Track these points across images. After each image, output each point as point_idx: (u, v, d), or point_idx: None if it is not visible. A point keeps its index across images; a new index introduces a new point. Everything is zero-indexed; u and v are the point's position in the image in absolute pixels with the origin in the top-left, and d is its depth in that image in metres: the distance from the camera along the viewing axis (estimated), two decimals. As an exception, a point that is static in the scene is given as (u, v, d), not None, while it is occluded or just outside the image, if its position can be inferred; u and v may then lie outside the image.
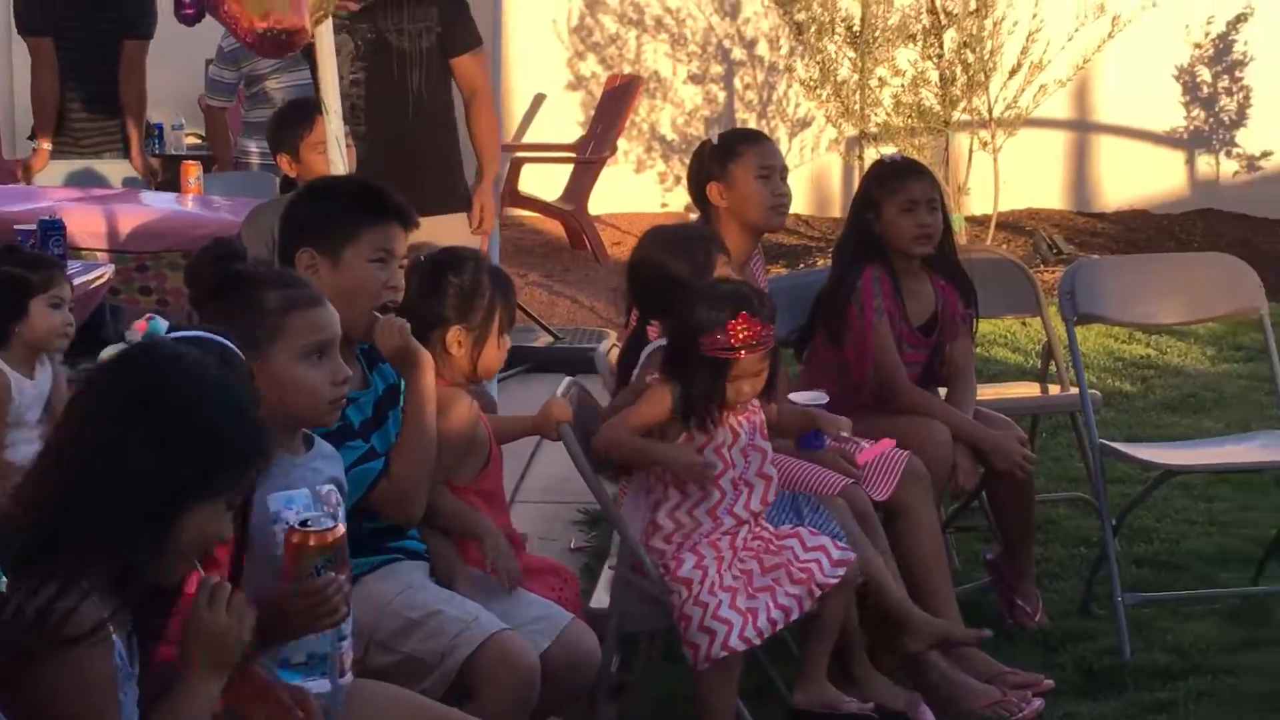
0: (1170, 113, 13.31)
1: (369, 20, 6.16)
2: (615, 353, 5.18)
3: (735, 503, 4.29)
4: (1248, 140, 13.28)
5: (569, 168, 12.25)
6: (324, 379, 3.22)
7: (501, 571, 3.85)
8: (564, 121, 13.15)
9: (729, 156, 5.14)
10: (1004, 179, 11.99)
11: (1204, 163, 13.36)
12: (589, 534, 6.33)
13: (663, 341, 4.38)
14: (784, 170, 5.19)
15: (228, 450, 2.60)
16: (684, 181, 5.93)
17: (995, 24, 11.66)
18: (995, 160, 11.77)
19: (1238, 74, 13.26)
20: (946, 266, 5.32)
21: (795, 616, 4.25)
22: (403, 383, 3.79)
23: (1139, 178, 13.33)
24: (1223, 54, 13.24)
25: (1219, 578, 5.73)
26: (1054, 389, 6.31)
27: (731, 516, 4.29)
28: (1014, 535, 5.40)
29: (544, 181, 12.21)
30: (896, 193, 5.19)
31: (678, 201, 13.07)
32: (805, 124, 13.39)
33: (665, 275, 4.54)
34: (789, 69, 13.22)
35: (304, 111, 5.83)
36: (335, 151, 5.11)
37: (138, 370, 2.64)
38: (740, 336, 4.14)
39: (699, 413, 4.21)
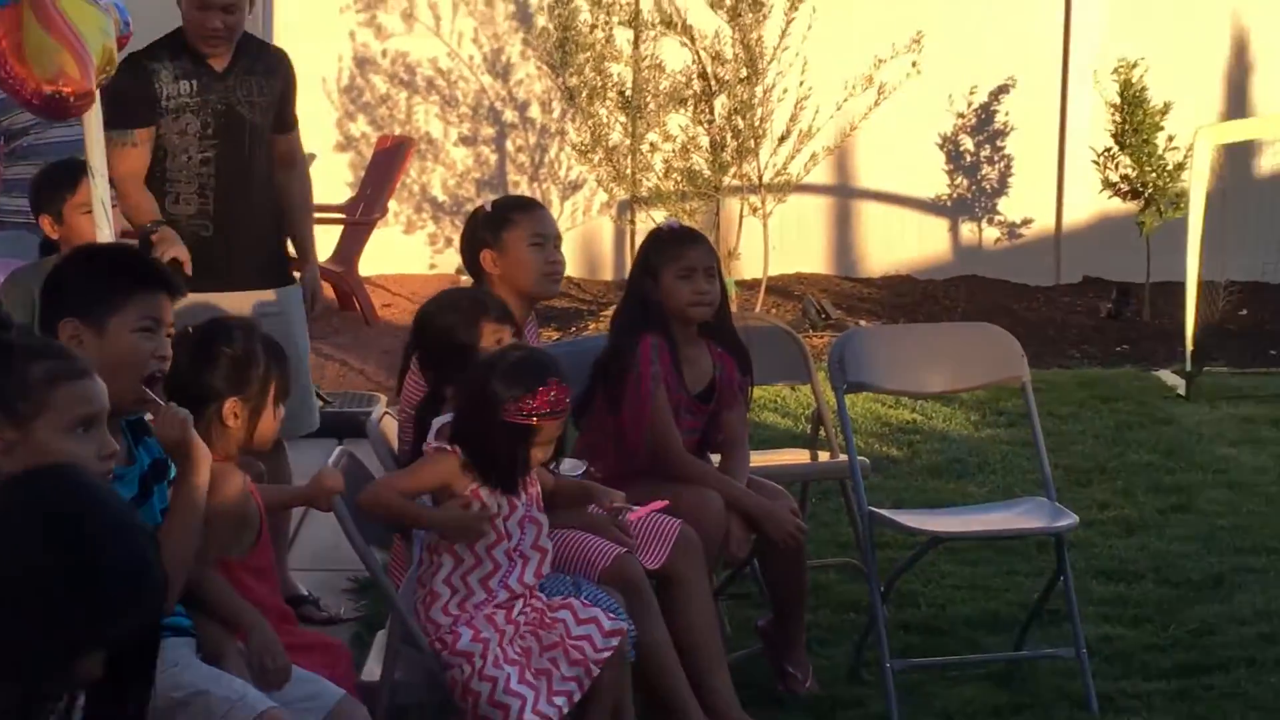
0: (935, 180, 13.59)
1: (222, 91, 5.99)
2: (388, 419, 5.10)
3: (510, 575, 4.26)
4: (1009, 208, 13.60)
5: (339, 229, 12.14)
6: (90, 453, 3.13)
7: (268, 674, 3.72)
8: (333, 182, 13.03)
9: (502, 224, 5.13)
10: (774, 244, 12.14)
11: (967, 229, 13.65)
12: (359, 602, 6.25)
13: (449, 416, 4.34)
14: (557, 239, 5.20)
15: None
16: (454, 243, 5.91)
17: (765, 91, 11.80)
18: (765, 225, 11.91)
19: (999, 143, 13.59)
20: (724, 334, 5.35)
21: (576, 699, 4.23)
22: (171, 463, 3.70)
23: (905, 244, 13.58)
24: (985, 123, 13.56)
25: (984, 642, 5.83)
26: (824, 455, 6.39)
27: (506, 589, 4.26)
28: (785, 602, 5.43)
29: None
30: (674, 260, 5.21)
31: (448, 263, 13.02)
32: (577, 187, 13.44)
33: (457, 340, 4.52)
34: (561, 132, 13.27)
35: (69, 172, 5.69)
36: (101, 215, 4.99)
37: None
38: (547, 403, 4.12)
39: (505, 480, 4.18)
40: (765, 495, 5.29)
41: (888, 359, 5.69)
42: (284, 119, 6.23)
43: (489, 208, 5.25)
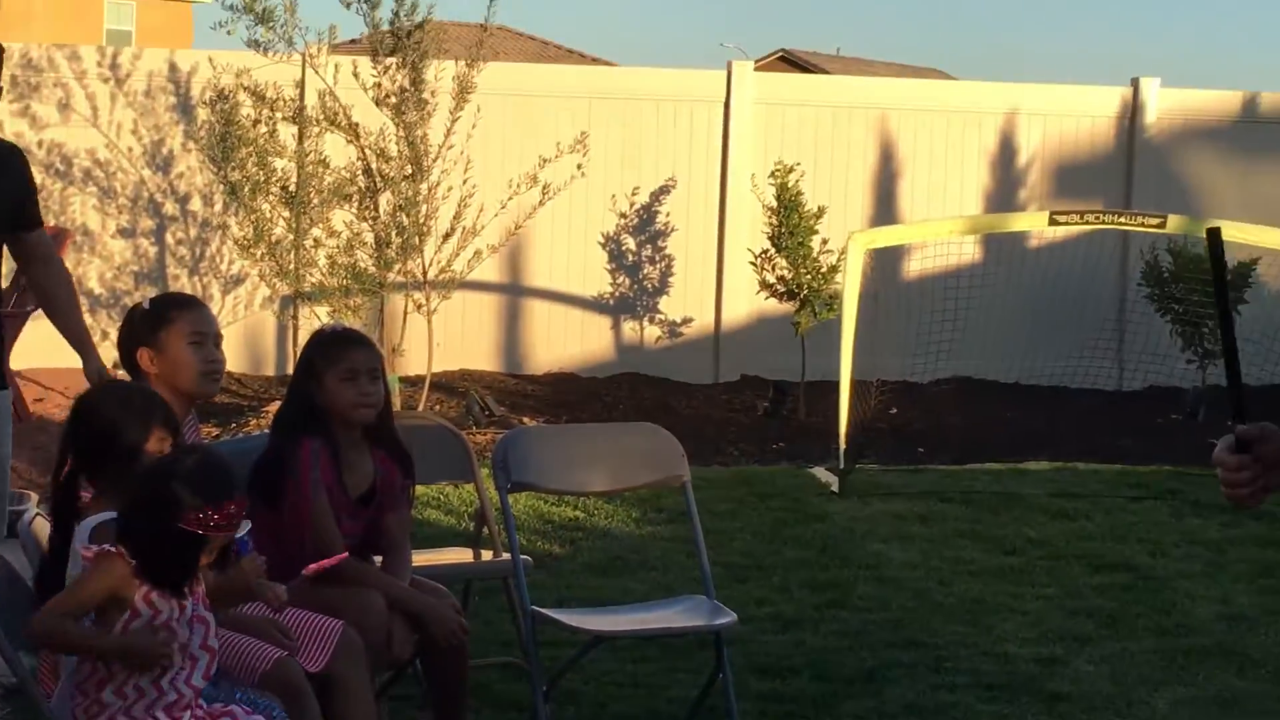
0: (598, 279, 13.78)
1: None
2: (39, 520, 4.96)
3: (180, 677, 4.16)
4: (670, 307, 13.85)
5: (-10, 321, 11.78)
6: None
7: None
8: (-14, 273, 12.67)
9: (161, 322, 5.04)
10: (438, 341, 12.16)
11: (629, 328, 13.86)
12: (4, 710, 6.03)
13: (109, 515, 4.22)
14: (217, 337, 5.13)
15: None
16: (111, 337, 5.79)
17: (430, 188, 11.85)
18: (430, 322, 11.92)
19: (661, 243, 13.85)
20: (386, 437, 5.34)
21: None
22: None
23: (568, 341, 13.74)
24: (647, 224, 13.82)
25: (645, 739, 5.88)
26: (487, 554, 6.40)
27: (175, 690, 4.15)
28: (447, 702, 5.41)
29: (-37, 335, 11.70)
30: (337, 361, 5.19)
31: (104, 357, 12.69)
32: (239, 281, 13.29)
33: (122, 437, 4.40)
34: (223, 226, 13.12)
35: None
36: None
37: None
38: (227, 518, 4.05)
39: (174, 585, 4.09)
40: (428, 595, 5.28)
41: (551, 459, 5.74)
42: (26, 216, 6.02)
43: (147, 305, 5.16)
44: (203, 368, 5.03)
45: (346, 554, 4.90)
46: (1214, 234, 3.11)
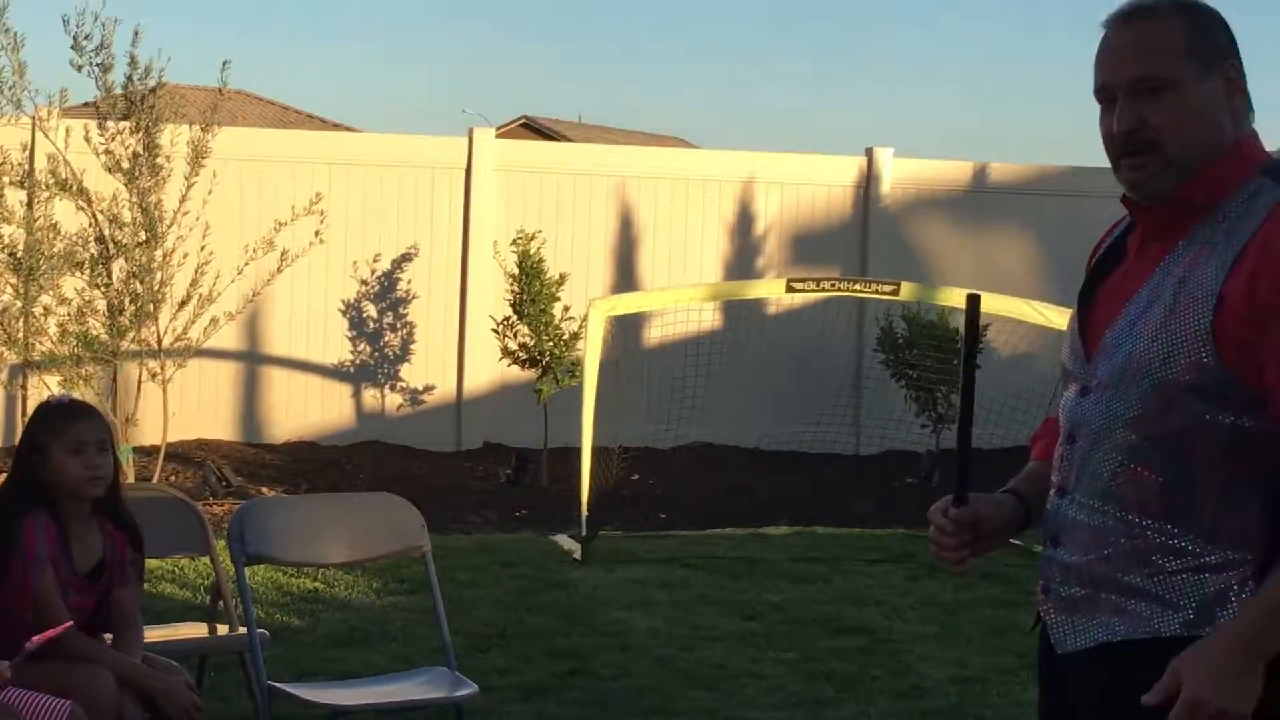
0: (339, 347, 13.65)
1: None
2: None
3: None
4: (411, 374, 13.77)
5: None
6: None
7: None
8: None
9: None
10: (174, 410, 11.93)
11: (370, 396, 13.74)
12: None
13: None
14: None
15: None
16: None
17: (165, 255, 11.63)
18: (165, 391, 11.69)
19: (402, 310, 13.77)
20: (115, 511, 5.21)
21: None
22: None
23: (308, 410, 13.57)
24: (388, 291, 13.73)
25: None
26: (223, 628, 6.27)
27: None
28: None
29: None
30: (64, 434, 5.06)
31: None
32: (-34, 350, 12.89)
33: None
34: (-52, 293, 12.73)
35: None
36: None
37: None
38: None
39: None
40: (160, 672, 5.15)
41: (289, 530, 5.65)
42: None
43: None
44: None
45: (70, 623, 4.77)
46: (974, 300, 3.15)
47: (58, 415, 5.16)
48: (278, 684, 5.44)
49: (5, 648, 4.81)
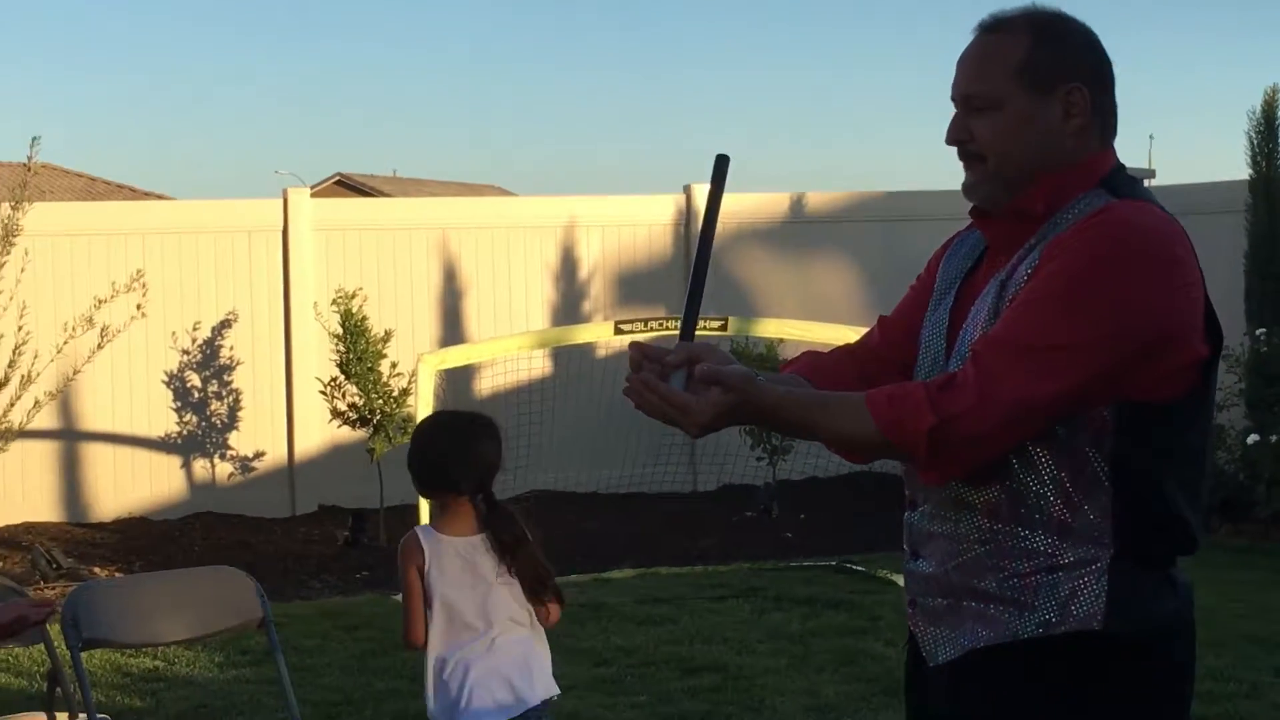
0: (164, 419, 13.41)
1: None
2: None
3: None
4: (240, 441, 13.57)
5: None
6: None
7: None
8: None
9: None
10: (-2, 494, 11.66)
11: (200, 466, 13.52)
12: None
13: None
14: None
15: None
16: None
17: (-20, 337, 11.39)
18: (-13, 476, 11.42)
19: (227, 377, 13.57)
20: None
21: None
22: None
23: (137, 485, 13.32)
24: (211, 358, 13.53)
25: None
26: (62, 716, 6.09)
27: None
28: None
29: None
30: None
31: None
32: None
33: None
34: None
35: None
36: None
37: None
38: None
39: None
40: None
41: (124, 611, 5.51)
42: None
43: None
44: None
45: None
46: (722, 159, 3.07)
47: None
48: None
49: None
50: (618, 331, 10.63)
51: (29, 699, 7.82)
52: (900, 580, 10.14)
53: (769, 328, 11.37)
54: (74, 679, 5.69)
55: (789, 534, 12.55)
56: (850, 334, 10.53)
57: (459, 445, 5.35)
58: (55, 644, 6.12)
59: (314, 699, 7.89)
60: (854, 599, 9.92)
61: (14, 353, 11.51)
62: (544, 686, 5.14)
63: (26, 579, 10.69)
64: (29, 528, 12.80)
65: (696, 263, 3.07)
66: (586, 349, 13.78)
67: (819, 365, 3.32)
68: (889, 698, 7.73)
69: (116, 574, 11.33)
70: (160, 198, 31.69)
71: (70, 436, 13.24)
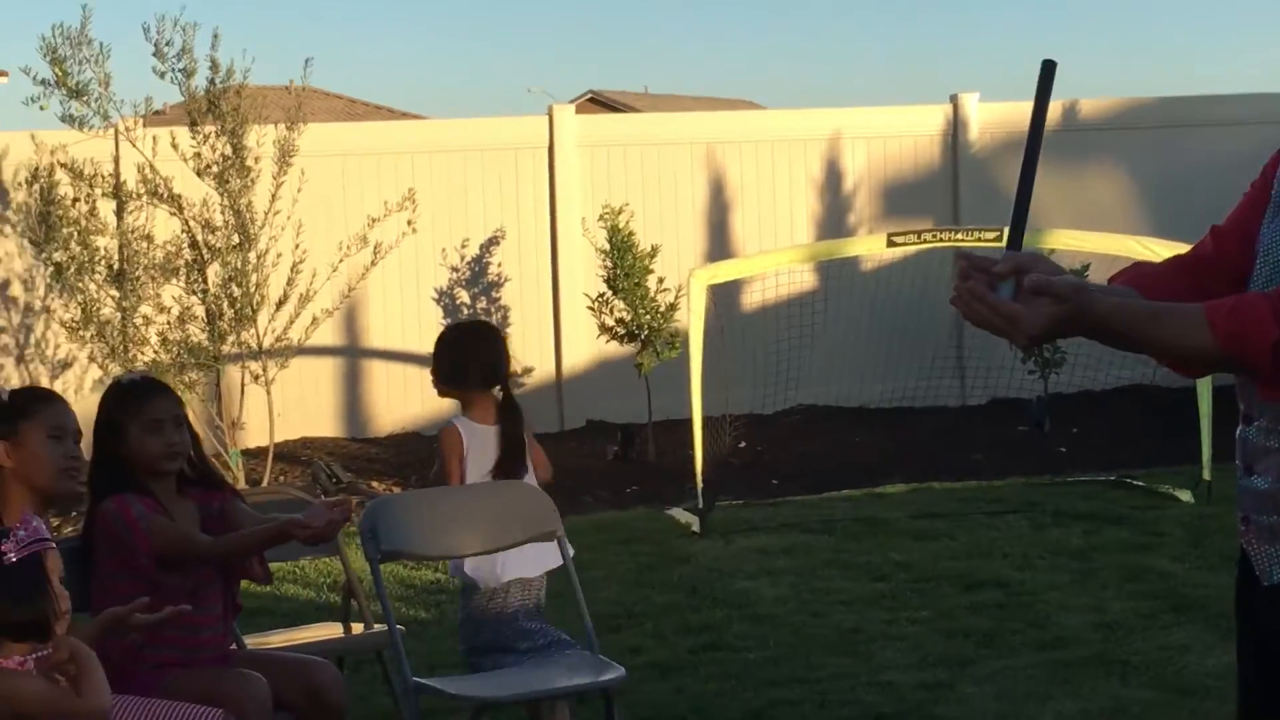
0: (434, 335, 13.53)
1: None
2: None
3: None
4: (510, 358, 13.67)
5: None
6: None
7: None
8: None
9: (17, 416, 4.77)
10: (278, 410, 11.91)
11: (470, 382, 13.65)
12: None
13: None
14: (77, 433, 4.85)
15: None
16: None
17: (259, 257, 11.62)
18: (269, 392, 11.68)
19: (495, 294, 13.70)
20: (201, 477, 5.15)
21: None
22: None
23: (408, 401, 13.53)
24: (479, 275, 13.66)
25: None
26: (357, 627, 6.23)
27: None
28: None
29: None
30: (139, 413, 4.98)
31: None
32: (68, 365, 12.93)
33: None
34: (48, 310, 12.77)
35: None
36: None
37: None
38: (29, 530, 3.92)
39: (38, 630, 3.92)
40: (305, 667, 5.10)
41: (422, 524, 5.58)
42: None
43: (5, 396, 4.91)
44: (62, 464, 4.77)
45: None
46: (1048, 65, 2.98)
47: (131, 394, 5.08)
48: (422, 680, 5.37)
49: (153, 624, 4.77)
50: (890, 244, 10.49)
51: (318, 609, 8.01)
52: (1184, 496, 9.95)
53: (1040, 238, 11.13)
54: (369, 591, 5.79)
55: (1062, 448, 12.33)
56: (1126, 244, 10.27)
57: (464, 349, 6.21)
58: (347, 557, 6.24)
59: (594, 612, 7.82)
60: (1135, 514, 9.73)
61: (292, 271, 11.74)
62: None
63: (308, 491, 10.93)
64: (308, 443, 13.09)
65: (1023, 170, 2.98)
66: (853, 262, 13.64)
67: (1148, 276, 3.21)
68: (1178, 615, 7.57)
69: (394, 488, 11.53)
70: (416, 118, 32.06)
71: (346, 353, 13.49)
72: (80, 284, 11.43)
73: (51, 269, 11.63)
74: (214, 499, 5.14)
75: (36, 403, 4.84)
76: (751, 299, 13.71)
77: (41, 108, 11.31)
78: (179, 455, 5.02)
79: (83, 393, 12.90)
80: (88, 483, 5.09)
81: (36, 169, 11.44)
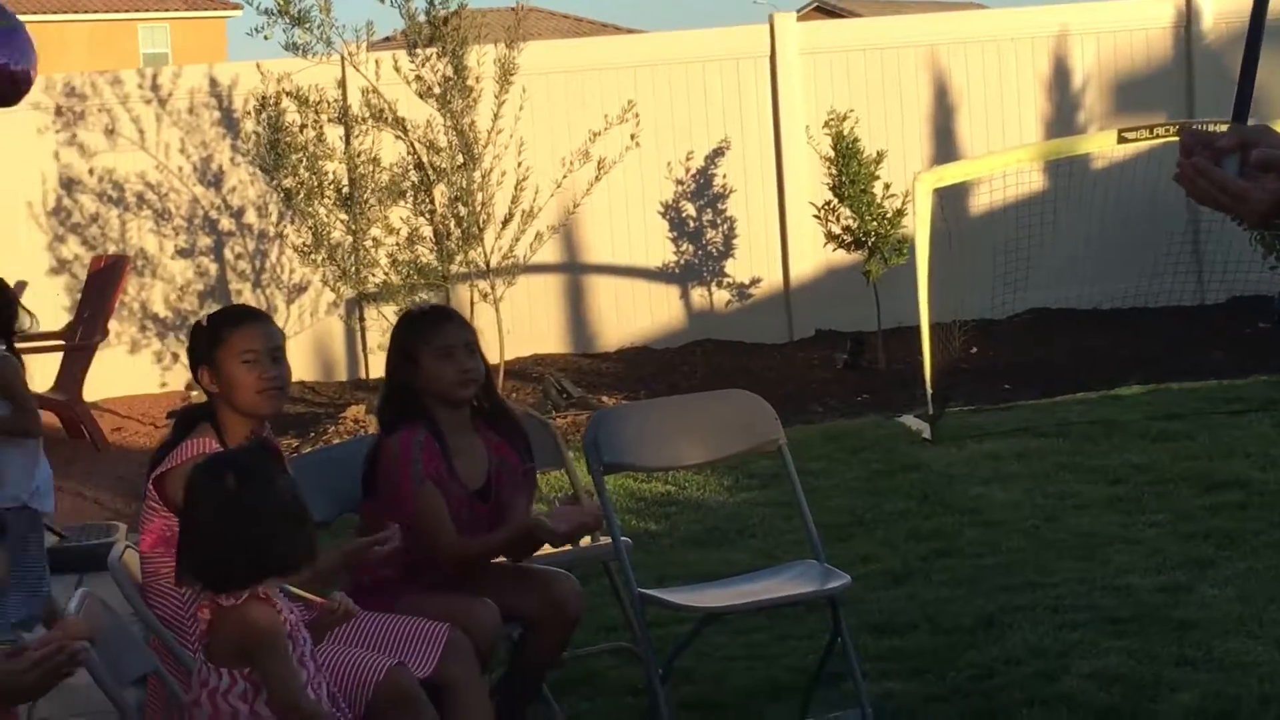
0: (661, 249, 13.61)
1: None
2: (130, 553, 4.84)
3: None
4: (736, 269, 13.67)
5: (58, 356, 11.72)
6: None
7: None
8: (49, 308, 12.64)
9: (215, 341, 4.81)
10: (508, 328, 12.02)
11: (697, 294, 13.68)
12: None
13: None
14: (276, 350, 4.81)
15: None
16: (182, 358, 5.58)
17: (484, 176, 11.70)
18: (497, 310, 11.78)
19: (721, 206, 13.66)
20: (497, 416, 5.15)
21: None
22: None
23: (636, 315, 13.57)
24: (704, 188, 13.63)
25: (767, 712, 5.72)
26: (584, 539, 6.25)
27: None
28: (532, 674, 5.23)
29: (33, 372, 11.61)
30: (431, 340, 5.01)
31: (178, 380, 12.69)
32: (302, 289, 13.19)
33: None
34: (280, 235, 13.03)
35: None
36: None
37: None
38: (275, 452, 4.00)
39: (296, 567, 3.97)
40: (545, 579, 5.13)
41: (643, 436, 5.59)
42: None
43: (205, 321, 4.94)
44: (259, 386, 4.79)
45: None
46: None
47: (423, 321, 5.11)
48: (647, 590, 5.39)
49: (396, 571, 4.82)
50: (1121, 140, 10.22)
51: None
52: None
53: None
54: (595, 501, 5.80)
55: (1306, 346, 11.98)
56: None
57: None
58: (575, 469, 6.27)
59: (823, 521, 7.84)
60: (1383, 411, 9.42)
61: (516, 189, 11.81)
62: None
63: (539, 409, 11.02)
64: (538, 359, 13.20)
65: (1249, 38, 2.87)
66: (1083, 161, 13.33)
67: None
68: None
69: (623, 402, 11.58)
70: (640, 33, 32.06)
71: (572, 269, 13.56)
72: (310, 209, 11.62)
73: (282, 195, 11.84)
74: (507, 453, 5.13)
75: (228, 327, 4.81)
76: (979, 202, 13.49)
77: (266, 37, 11.48)
78: (472, 382, 5.03)
79: (317, 315, 13.19)
80: (378, 413, 5.15)
81: (264, 98, 11.64)
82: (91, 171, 13.03)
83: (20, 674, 3.31)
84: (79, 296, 12.31)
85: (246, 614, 3.82)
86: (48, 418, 11.85)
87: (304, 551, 3.86)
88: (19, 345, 6.72)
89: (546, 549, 6.25)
